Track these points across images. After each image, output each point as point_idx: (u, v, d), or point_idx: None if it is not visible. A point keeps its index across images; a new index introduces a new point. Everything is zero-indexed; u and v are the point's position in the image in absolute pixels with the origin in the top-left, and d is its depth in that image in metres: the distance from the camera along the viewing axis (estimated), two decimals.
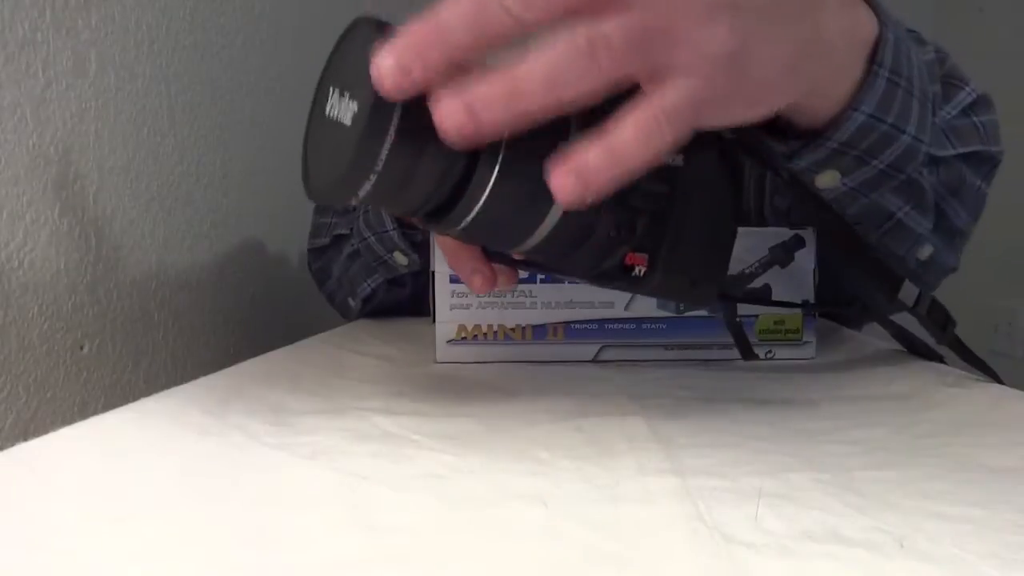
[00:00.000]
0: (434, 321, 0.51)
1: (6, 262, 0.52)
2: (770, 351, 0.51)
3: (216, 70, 0.79)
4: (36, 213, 0.54)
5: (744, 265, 0.50)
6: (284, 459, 0.30)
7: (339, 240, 0.68)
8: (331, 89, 0.32)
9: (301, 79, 0.99)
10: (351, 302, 0.68)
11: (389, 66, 0.27)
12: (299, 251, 0.97)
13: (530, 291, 0.50)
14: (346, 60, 0.32)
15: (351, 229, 0.66)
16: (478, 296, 0.50)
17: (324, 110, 0.32)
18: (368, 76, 0.28)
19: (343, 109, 0.30)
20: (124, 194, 0.64)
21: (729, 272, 0.49)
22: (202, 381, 0.42)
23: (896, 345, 0.53)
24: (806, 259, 0.50)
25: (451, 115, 0.27)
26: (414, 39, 0.27)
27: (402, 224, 0.60)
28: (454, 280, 0.50)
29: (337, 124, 0.31)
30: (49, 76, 0.55)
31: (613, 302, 0.50)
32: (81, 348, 0.59)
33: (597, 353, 0.51)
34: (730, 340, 0.50)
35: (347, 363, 0.50)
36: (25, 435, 0.43)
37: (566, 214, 0.33)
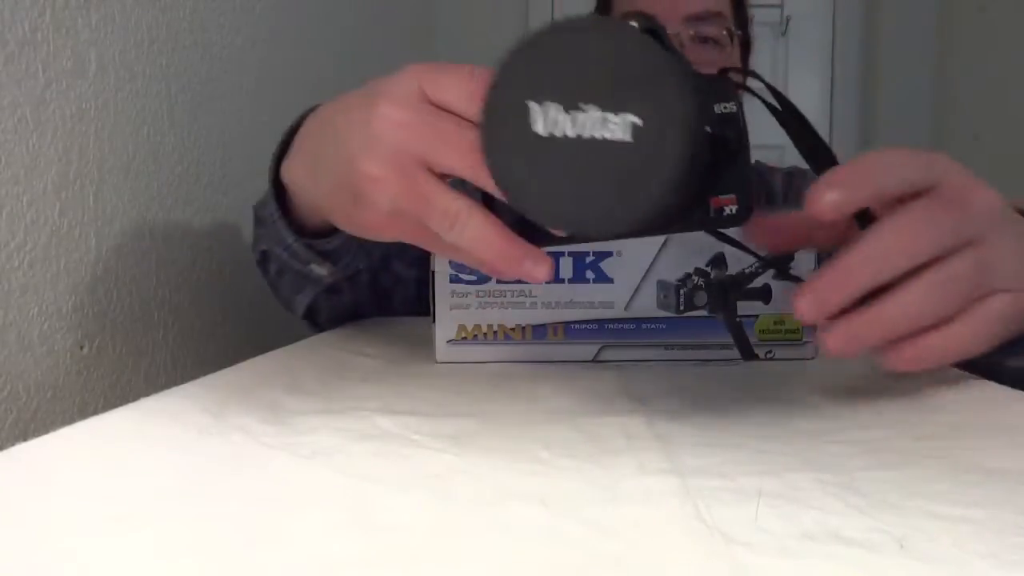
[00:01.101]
0: (434, 321, 0.51)
1: (6, 262, 0.52)
2: (770, 351, 0.51)
3: (216, 70, 0.79)
4: (36, 213, 0.54)
5: (744, 265, 0.50)
6: (284, 459, 0.30)
7: (265, 256, 0.60)
8: (548, 102, 0.28)
9: (301, 79, 0.99)
10: (295, 307, 0.63)
11: (809, 302, 0.35)
12: None
13: (530, 291, 0.50)
14: (588, 67, 0.28)
15: (265, 249, 0.59)
16: (478, 296, 0.50)
17: (535, 127, 0.29)
18: (656, 84, 0.27)
19: (596, 124, 0.28)
20: (124, 194, 0.64)
21: (728, 272, 0.50)
22: (202, 381, 0.42)
23: None
24: (806, 260, 0.50)
25: (836, 342, 0.35)
26: (826, 282, 0.35)
27: (302, 233, 0.54)
28: (454, 280, 0.50)
29: (592, 142, 0.28)
30: (49, 76, 0.55)
31: (613, 302, 0.50)
32: (81, 348, 0.59)
33: (597, 353, 0.51)
34: (730, 340, 0.50)
35: (347, 363, 0.50)
36: (25, 435, 0.43)
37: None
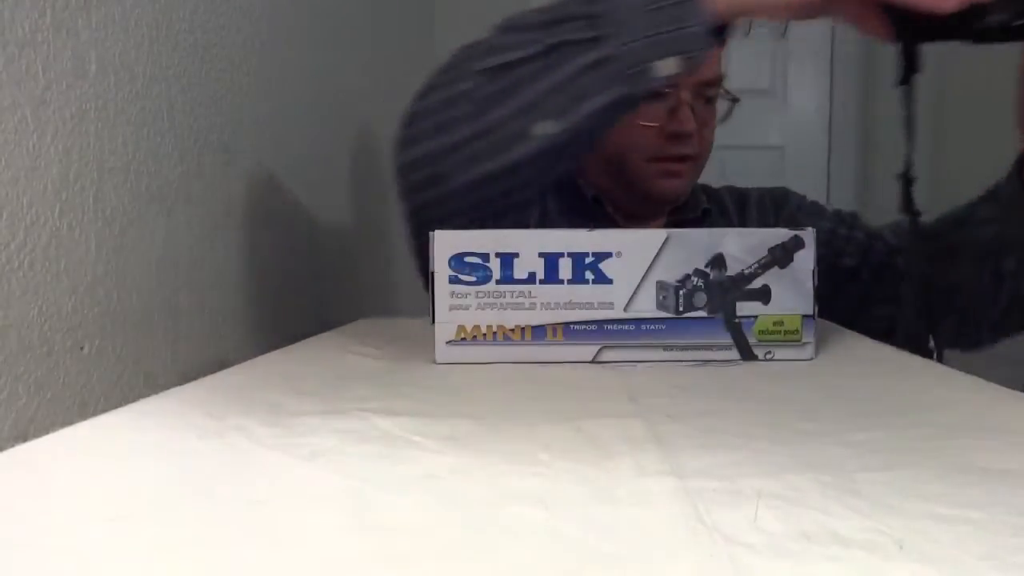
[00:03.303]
0: (433, 321, 0.51)
1: (6, 263, 0.52)
2: (769, 352, 0.51)
3: (216, 70, 0.79)
4: (36, 213, 0.54)
5: (743, 266, 0.50)
6: (283, 460, 0.30)
7: (564, 47, 0.56)
8: None
9: (301, 79, 0.99)
10: (544, 127, 0.58)
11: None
12: (299, 251, 0.97)
13: (529, 292, 0.50)
14: None
15: (596, 35, 0.56)
16: (477, 297, 0.50)
17: None
18: None
19: None
20: (124, 194, 0.64)
21: (728, 273, 0.50)
22: (202, 381, 0.42)
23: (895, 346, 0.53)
24: (806, 260, 0.50)
25: None
26: None
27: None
28: (453, 281, 0.50)
29: None
30: (49, 77, 0.55)
31: (612, 303, 0.50)
32: (81, 349, 0.59)
33: (596, 354, 0.51)
34: (729, 341, 0.50)
35: (347, 363, 0.50)
36: (25, 436, 0.43)
37: None
